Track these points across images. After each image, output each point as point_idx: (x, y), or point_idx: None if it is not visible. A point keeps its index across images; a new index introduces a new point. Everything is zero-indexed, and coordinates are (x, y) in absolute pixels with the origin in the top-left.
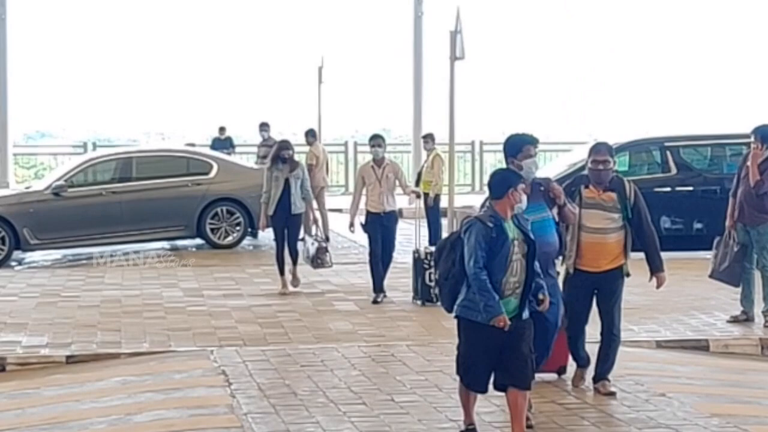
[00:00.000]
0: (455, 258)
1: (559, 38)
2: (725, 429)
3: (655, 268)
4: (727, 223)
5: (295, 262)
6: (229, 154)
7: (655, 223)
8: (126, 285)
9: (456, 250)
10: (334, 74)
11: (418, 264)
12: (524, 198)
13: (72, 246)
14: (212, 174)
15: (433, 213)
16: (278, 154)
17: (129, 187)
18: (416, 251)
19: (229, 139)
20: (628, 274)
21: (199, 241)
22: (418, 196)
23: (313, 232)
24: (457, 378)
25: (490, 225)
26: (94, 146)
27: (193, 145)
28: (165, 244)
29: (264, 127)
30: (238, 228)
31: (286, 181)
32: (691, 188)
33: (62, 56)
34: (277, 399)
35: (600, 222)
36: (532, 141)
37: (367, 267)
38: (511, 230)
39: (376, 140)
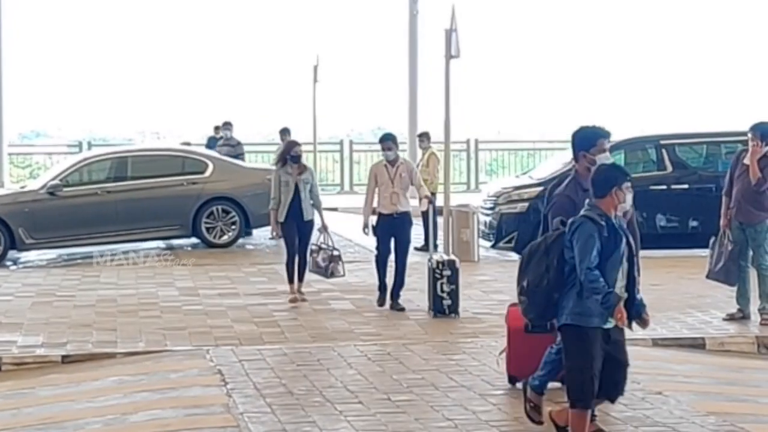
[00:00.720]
0: (550, 262)
1: (554, 36)
2: (722, 427)
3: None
4: (722, 222)
5: (302, 277)
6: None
7: (650, 221)
8: (121, 284)
9: (551, 253)
10: (329, 73)
11: (430, 274)
12: (629, 197)
13: (67, 245)
14: (208, 173)
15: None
16: (288, 154)
17: (124, 187)
18: (429, 260)
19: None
20: None
21: (194, 240)
22: (431, 202)
23: (320, 240)
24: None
25: (602, 224)
26: (89, 145)
27: (188, 144)
28: (160, 244)
29: (227, 125)
30: (233, 227)
31: (296, 186)
32: (686, 186)
33: (57, 55)
34: (273, 398)
35: None
36: (606, 134)
37: (362, 265)
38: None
39: (386, 143)
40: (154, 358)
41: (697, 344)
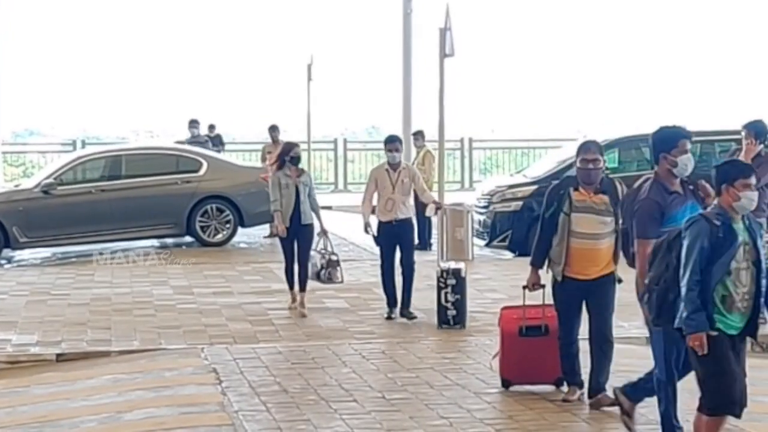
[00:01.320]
0: (670, 260)
1: (548, 35)
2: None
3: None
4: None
5: (304, 285)
6: (218, 151)
7: None
8: (116, 283)
9: (672, 251)
10: (323, 72)
11: (435, 283)
12: (749, 195)
13: (62, 244)
14: (202, 172)
15: (422, 211)
16: (287, 155)
17: (118, 185)
18: (438, 270)
19: (218, 137)
20: (620, 281)
21: (188, 239)
22: (439, 207)
23: (320, 246)
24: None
25: (717, 224)
26: (83, 144)
27: (182, 142)
28: (154, 242)
29: (194, 123)
30: (227, 226)
31: (296, 189)
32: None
33: (51, 54)
34: (268, 397)
35: (592, 227)
36: (687, 135)
37: (357, 264)
38: (741, 232)
39: (393, 144)
40: (148, 356)
41: None
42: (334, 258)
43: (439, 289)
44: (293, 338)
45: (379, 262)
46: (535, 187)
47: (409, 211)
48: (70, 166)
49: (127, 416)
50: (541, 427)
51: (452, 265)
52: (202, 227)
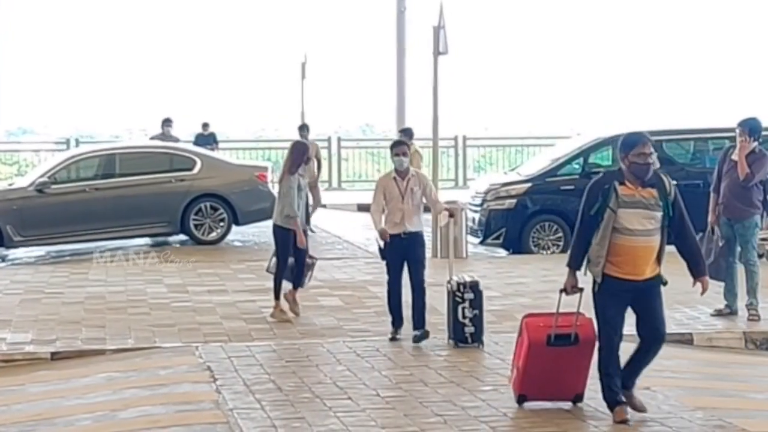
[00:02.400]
0: None
1: (541, 33)
2: (709, 422)
3: (700, 272)
4: (710, 218)
5: (297, 283)
6: (212, 150)
7: None
8: (110, 281)
9: None
10: (317, 70)
11: (450, 297)
12: None
13: (56, 243)
14: (196, 170)
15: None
16: (303, 156)
17: (112, 184)
18: (449, 281)
19: (212, 135)
20: (665, 283)
21: (182, 237)
22: (452, 215)
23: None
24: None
25: None
26: (77, 143)
27: (177, 140)
28: (148, 241)
29: (167, 122)
30: (221, 224)
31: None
32: (674, 182)
33: (44, 53)
34: (262, 395)
35: (642, 223)
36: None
37: (350, 261)
38: None
39: (400, 148)
40: (143, 354)
41: (685, 340)
42: (312, 262)
43: (456, 304)
44: (287, 336)
45: (385, 278)
46: (529, 185)
47: (420, 224)
48: (64, 164)
49: (121, 414)
50: (535, 425)
51: (467, 277)
52: (196, 225)
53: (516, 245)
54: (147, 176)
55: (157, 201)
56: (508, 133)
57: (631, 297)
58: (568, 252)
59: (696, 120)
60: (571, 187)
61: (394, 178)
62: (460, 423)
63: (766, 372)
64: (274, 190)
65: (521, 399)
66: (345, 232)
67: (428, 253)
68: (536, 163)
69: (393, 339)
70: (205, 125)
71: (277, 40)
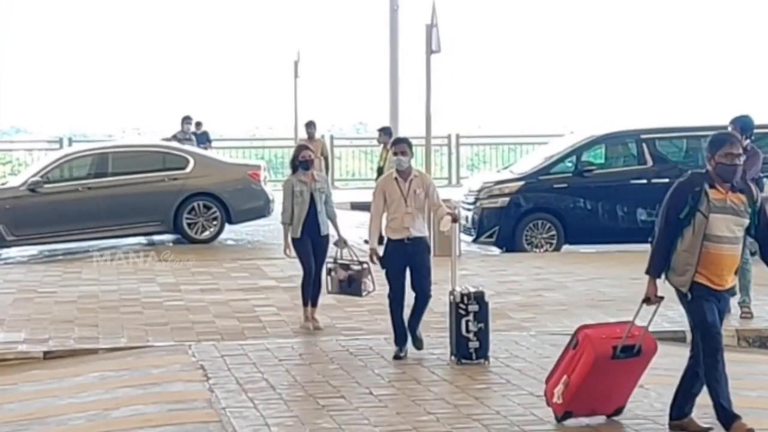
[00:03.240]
0: None
1: (534, 31)
2: (702, 420)
3: None
4: None
5: (315, 300)
6: (205, 148)
7: (631, 215)
8: (103, 280)
9: None
10: (310, 68)
11: (453, 309)
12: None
13: (49, 242)
14: (189, 169)
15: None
16: (298, 158)
17: (105, 183)
18: (452, 292)
19: (205, 134)
20: (734, 294)
21: (176, 236)
22: (455, 220)
23: (337, 254)
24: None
25: None
26: (70, 142)
27: (168, 139)
28: (141, 239)
29: (187, 120)
30: (215, 223)
31: (311, 196)
32: (667, 180)
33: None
34: (255, 393)
35: (731, 229)
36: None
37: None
38: None
39: (400, 146)
40: (136, 353)
41: (677, 338)
42: (365, 266)
43: (459, 317)
44: (280, 335)
45: (386, 286)
46: (522, 183)
47: (424, 229)
48: (56, 163)
49: (114, 413)
50: (529, 422)
51: (471, 287)
52: (189, 224)
53: (509, 243)
54: (140, 175)
55: (150, 200)
56: (501, 132)
57: (719, 308)
58: (649, 259)
59: (689, 118)
60: (564, 185)
61: (396, 179)
62: (453, 421)
63: (759, 369)
64: (267, 188)
65: (566, 416)
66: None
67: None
68: (529, 162)
69: (398, 358)
70: (198, 124)
71: (270, 38)
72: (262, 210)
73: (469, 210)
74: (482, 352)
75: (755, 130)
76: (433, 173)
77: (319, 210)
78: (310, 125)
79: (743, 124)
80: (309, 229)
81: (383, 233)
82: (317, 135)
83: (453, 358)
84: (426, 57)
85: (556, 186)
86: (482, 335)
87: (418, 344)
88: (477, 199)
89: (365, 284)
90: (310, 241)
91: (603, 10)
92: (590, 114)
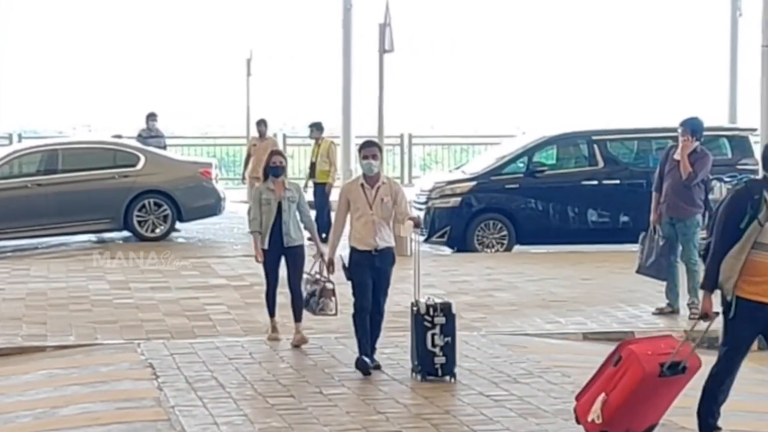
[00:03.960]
0: None
1: (486, 31)
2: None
3: None
4: (652, 217)
5: (299, 315)
6: (163, 147)
7: (582, 216)
8: (52, 277)
9: None
10: (263, 67)
11: (418, 321)
12: None
13: None
14: (139, 166)
15: (322, 202)
16: (269, 164)
17: (55, 180)
18: (415, 303)
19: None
20: None
21: (126, 233)
22: (417, 225)
23: (314, 269)
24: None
25: None
26: (20, 138)
27: (120, 137)
28: (92, 237)
29: (152, 117)
30: (165, 220)
31: (279, 206)
32: (617, 181)
33: None
34: (204, 392)
35: None
36: None
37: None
38: None
39: (370, 149)
40: (84, 351)
41: (627, 338)
42: (329, 286)
43: (424, 329)
44: (230, 333)
45: (350, 300)
46: (474, 183)
47: (391, 238)
48: (6, 160)
49: (62, 411)
50: (478, 422)
51: (436, 298)
52: (139, 222)
53: (460, 243)
54: (90, 172)
55: (101, 197)
56: (453, 132)
57: (764, 323)
58: (704, 272)
59: (639, 120)
60: (516, 185)
61: (362, 185)
62: (403, 420)
63: (707, 371)
64: (219, 186)
65: None
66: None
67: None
68: (481, 162)
69: (367, 373)
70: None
71: (222, 36)
72: (213, 208)
73: (420, 210)
74: (448, 368)
75: (704, 133)
76: (386, 173)
77: (285, 220)
78: (261, 123)
79: (693, 126)
80: (274, 240)
81: (350, 244)
82: (269, 133)
83: (416, 375)
84: (379, 56)
85: (507, 186)
86: (449, 350)
87: (376, 365)
88: (429, 199)
89: (327, 305)
90: (277, 253)
91: (553, 12)
92: (542, 115)
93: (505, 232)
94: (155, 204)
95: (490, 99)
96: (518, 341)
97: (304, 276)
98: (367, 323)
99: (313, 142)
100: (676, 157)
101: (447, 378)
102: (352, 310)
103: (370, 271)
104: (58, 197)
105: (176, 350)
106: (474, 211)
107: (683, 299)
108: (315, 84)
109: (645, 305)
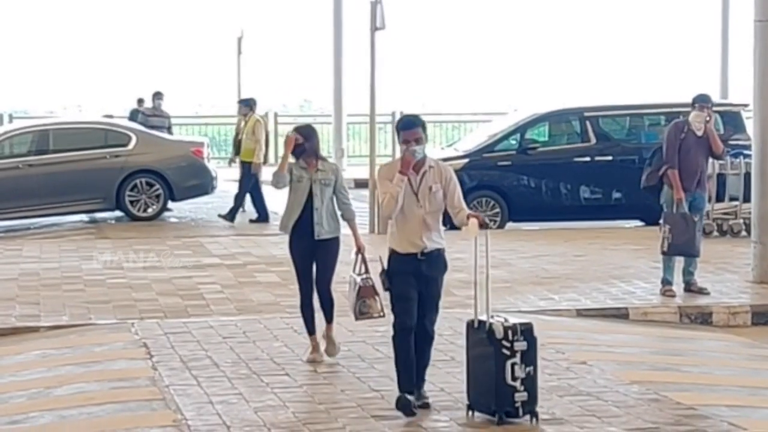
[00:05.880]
0: None
1: (480, 9)
2: (645, 396)
3: None
4: (679, 195)
5: (330, 317)
6: (169, 127)
7: (574, 192)
8: (44, 258)
9: None
10: (254, 45)
11: (493, 347)
12: None
13: None
14: (131, 146)
15: (247, 181)
16: (299, 142)
17: (46, 160)
18: (482, 323)
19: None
20: None
21: (118, 213)
22: (484, 225)
23: (356, 269)
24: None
25: None
26: (11, 118)
27: (110, 116)
28: (83, 217)
29: (158, 96)
30: (157, 200)
31: (310, 189)
32: (610, 158)
33: None
34: (199, 371)
35: None
36: None
37: (287, 238)
38: None
39: (414, 130)
40: (78, 331)
41: (620, 314)
42: (369, 282)
43: (503, 359)
44: (224, 312)
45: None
46: (466, 160)
47: (441, 238)
48: None
49: (56, 391)
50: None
51: (512, 318)
52: (131, 201)
53: (450, 221)
54: (81, 152)
55: (92, 177)
56: (445, 110)
57: None
58: None
59: (632, 96)
60: (508, 162)
61: (403, 171)
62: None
63: (701, 346)
64: (211, 165)
65: None
66: (281, 209)
67: (365, 228)
68: (473, 139)
69: (407, 411)
70: (140, 101)
71: (213, 15)
72: (205, 187)
73: None
74: (530, 406)
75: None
76: (377, 151)
77: (316, 206)
78: (245, 102)
79: (711, 101)
80: (303, 231)
81: (390, 245)
82: (259, 112)
83: (469, 413)
84: (371, 34)
85: (499, 164)
86: (530, 383)
87: (424, 403)
88: None
89: (369, 305)
90: (306, 246)
91: None
92: (534, 92)
93: (497, 209)
94: (147, 183)
95: (482, 76)
96: None
97: (351, 278)
98: (412, 347)
99: (240, 118)
100: (699, 133)
101: (527, 418)
102: (390, 331)
103: (416, 280)
104: (50, 178)
105: (170, 329)
106: (466, 189)
107: (678, 275)
108: (306, 63)
109: (638, 281)
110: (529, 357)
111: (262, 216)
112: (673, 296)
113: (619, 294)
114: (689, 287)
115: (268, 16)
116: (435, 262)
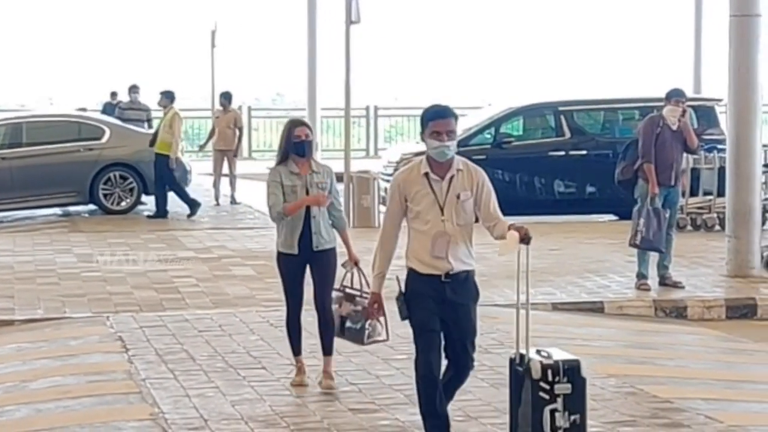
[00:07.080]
0: None
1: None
2: (622, 389)
3: None
4: (654, 190)
5: (329, 347)
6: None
7: (549, 186)
8: (18, 251)
9: None
10: (227, 38)
11: (530, 389)
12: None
13: None
14: (104, 139)
15: (168, 176)
16: (291, 138)
17: (19, 153)
18: (521, 358)
19: (120, 104)
20: None
21: (92, 206)
22: (525, 239)
23: (345, 280)
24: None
25: None
26: None
27: (84, 110)
28: (57, 211)
29: (134, 89)
30: (131, 193)
31: (307, 193)
32: (584, 152)
33: None
34: (175, 364)
35: None
36: None
37: (262, 231)
38: None
39: (444, 121)
40: (53, 325)
41: (596, 308)
42: (365, 301)
43: (541, 403)
44: (199, 306)
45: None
46: None
47: (471, 258)
48: None
49: (32, 385)
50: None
51: (557, 353)
52: (105, 195)
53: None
54: (55, 145)
55: (66, 170)
56: (418, 104)
57: None
58: None
59: (606, 91)
60: (483, 156)
61: (426, 175)
62: (375, 391)
63: (676, 339)
64: (185, 159)
65: None
66: (256, 202)
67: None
68: None
69: None
70: (114, 94)
71: (187, 7)
72: (179, 180)
73: (388, 181)
74: None
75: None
76: (352, 144)
77: (313, 214)
78: (223, 96)
79: (685, 96)
80: (300, 242)
81: (409, 265)
82: (234, 106)
83: None
84: (345, 27)
85: (474, 157)
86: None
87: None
88: (396, 170)
89: (373, 328)
90: (303, 259)
91: None
92: (509, 86)
93: None
94: (121, 177)
95: (456, 70)
96: (488, 312)
97: (335, 292)
98: (438, 386)
99: (162, 110)
100: (674, 127)
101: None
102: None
103: (439, 307)
104: (23, 171)
105: (145, 323)
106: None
107: (653, 268)
108: (280, 56)
109: (613, 275)
110: (575, 403)
111: (161, 212)
112: (648, 290)
113: (594, 288)
114: (664, 281)
115: (242, 10)
116: (462, 286)
